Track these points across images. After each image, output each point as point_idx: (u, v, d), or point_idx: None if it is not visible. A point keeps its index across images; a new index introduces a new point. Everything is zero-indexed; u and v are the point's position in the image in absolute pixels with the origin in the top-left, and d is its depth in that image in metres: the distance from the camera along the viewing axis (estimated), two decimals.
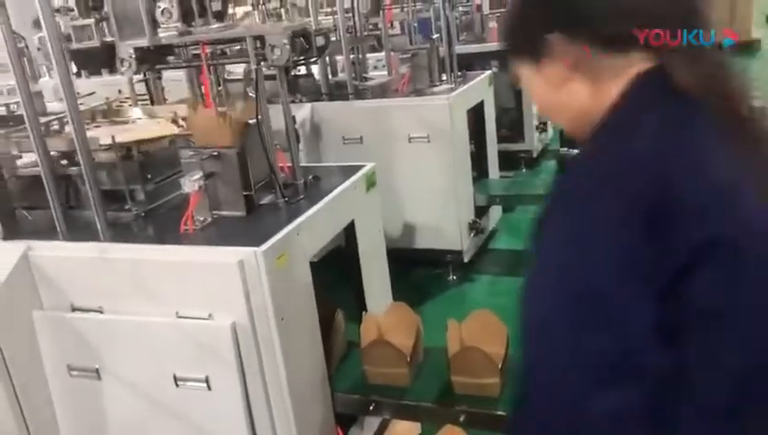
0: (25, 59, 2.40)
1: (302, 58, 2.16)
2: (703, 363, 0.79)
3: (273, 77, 2.32)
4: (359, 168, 2.51)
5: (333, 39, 3.59)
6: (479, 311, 2.30)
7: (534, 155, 5.83)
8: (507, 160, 5.12)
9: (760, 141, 0.87)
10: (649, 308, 0.77)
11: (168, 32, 2.15)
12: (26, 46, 2.37)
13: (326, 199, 2.23)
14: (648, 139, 0.85)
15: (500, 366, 2.12)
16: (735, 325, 0.79)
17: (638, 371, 0.78)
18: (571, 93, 0.95)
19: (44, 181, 2.13)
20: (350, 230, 2.44)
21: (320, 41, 2.13)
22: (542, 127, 6.00)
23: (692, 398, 0.79)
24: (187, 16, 2.11)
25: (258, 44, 2.07)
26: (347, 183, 2.37)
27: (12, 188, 2.33)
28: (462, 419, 2.10)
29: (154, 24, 2.11)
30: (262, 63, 2.07)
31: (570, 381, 0.80)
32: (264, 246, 1.87)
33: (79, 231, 2.18)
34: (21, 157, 2.34)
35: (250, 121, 2.11)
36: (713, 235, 0.78)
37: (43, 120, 2.25)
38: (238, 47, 2.41)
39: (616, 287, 0.78)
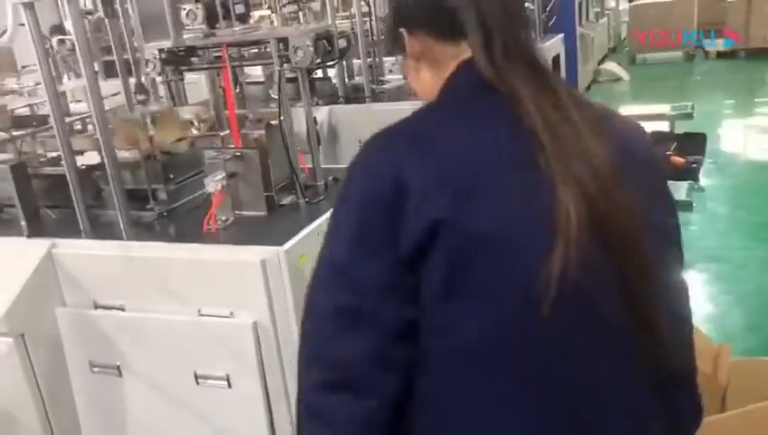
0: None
1: (322, 60, 2.18)
2: (430, 331, 0.93)
3: (291, 80, 2.34)
4: None
5: None
6: None
7: None
8: None
9: (557, 129, 0.92)
10: (383, 274, 0.92)
11: (193, 34, 2.19)
12: (51, 47, 2.41)
13: None
14: (413, 125, 1.00)
15: None
16: (450, 305, 0.91)
17: (374, 321, 0.92)
18: (423, 80, 1.09)
19: (69, 180, 2.16)
20: None
21: (342, 43, 2.15)
22: None
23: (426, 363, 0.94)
24: (210, 19, 2.14)
25: (281, 47, 2.09)
26: None
27: (35, 187, 2.36)
28: None
29: (179, 27, 2.14)
30: (285, 66, 2.09)
31: (324, 329, 0.96)
32: (287, 246, 1.89)
33: (101, 230, 2.22)
34: (46, 156, 2.37)
35: (273, 123, 2.13)
36: (441, 220, 0.88)
37: (67, 119, 2.28)
38: (255, 50, 2.44)
39: (350, 258, 0.94)
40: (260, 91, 4.30)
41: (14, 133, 2.31)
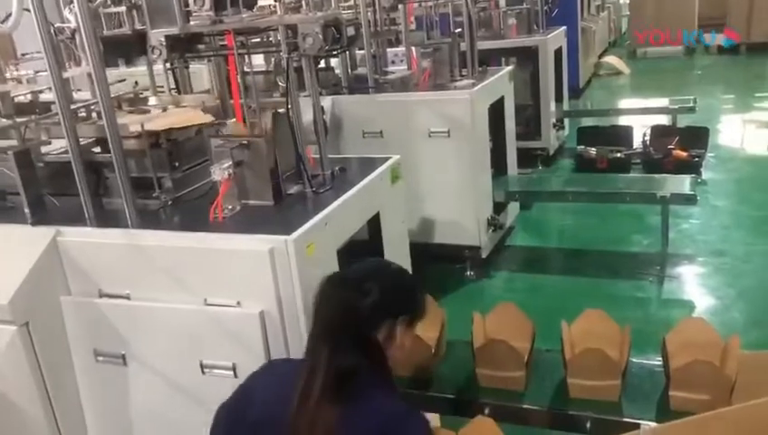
0: None
1: (330, 48, 2.15)
2: None
3: (295, 69, 2.31)
4: (384, 160, 2.51)
5: None
6: (503, 304, 2.31)
7: (551, 153, 5.82)
8: (523, 158, 5.10)
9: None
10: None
11: (199, 20, 2.16)
12: (56, 34, 2.37)
13: (353, 190, 2.23)
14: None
15: (525, 359, 2.12)
16: None
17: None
18: None
19: (74, 168, 2.14)
20: (373, 222, 2.44)
21: (350, 31, 2.13)
22: (559, 125, 5.98)
23: None
24: (218, 5, 2.11)
25: (289, 34, 2.07)
26: (373, 175, 2.37)
27: (39, 175, 2.34)
28: (486, 411, 2.10)
29: (186, 13, 2.11)
30: (293, 53, 2.07)
31: None
32: (295, 235, 1.87)
33: (107, 218, 2.20)
34: (50, 143, 2.35)
35: (280, 111, 2.12)
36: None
37: (71, 107, 2.26)
38: (258, 39, 2.41)
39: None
40: (260, 81, 4.28)
41: (18, 120, 2.28)
